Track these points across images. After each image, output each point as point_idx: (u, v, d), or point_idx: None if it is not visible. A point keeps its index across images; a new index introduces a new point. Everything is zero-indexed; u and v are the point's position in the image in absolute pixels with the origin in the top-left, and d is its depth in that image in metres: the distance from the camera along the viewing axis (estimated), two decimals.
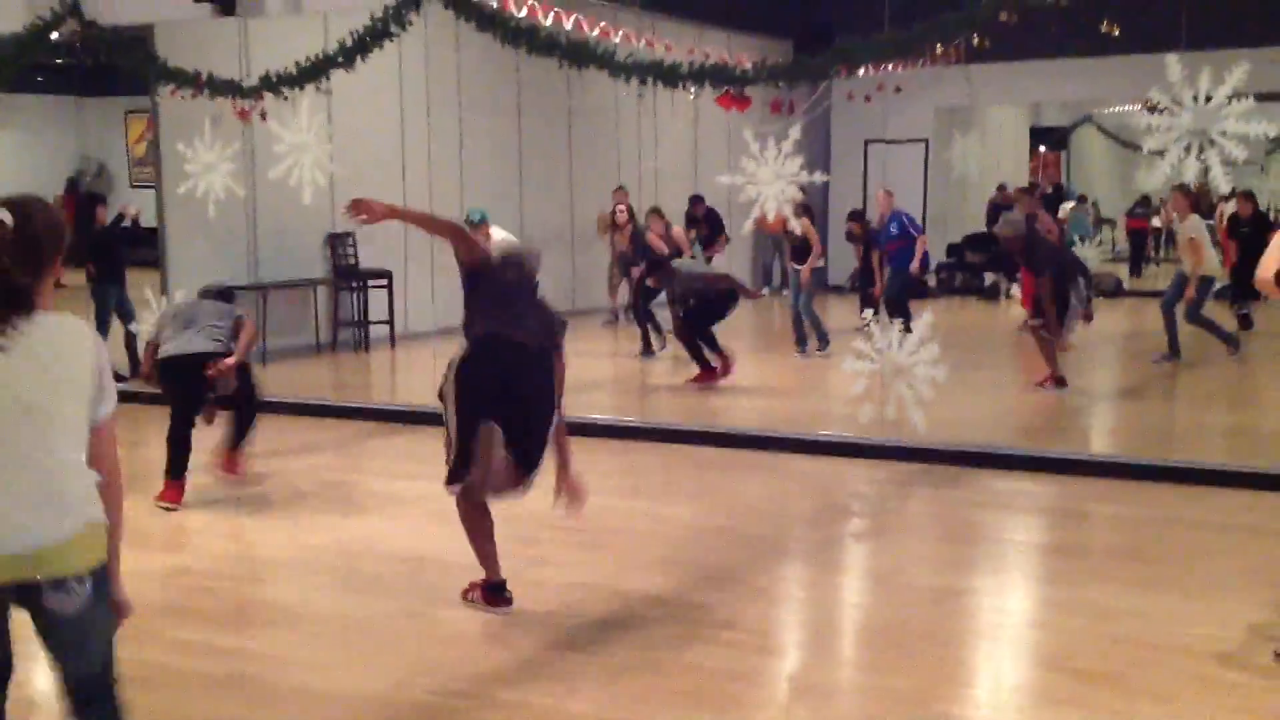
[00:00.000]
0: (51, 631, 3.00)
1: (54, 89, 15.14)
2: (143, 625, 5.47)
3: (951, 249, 19.52)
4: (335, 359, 13.07)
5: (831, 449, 8.43)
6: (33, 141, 19.08)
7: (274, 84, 9.77)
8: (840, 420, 8.92)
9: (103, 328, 10.95)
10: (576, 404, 9.40)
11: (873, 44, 8.15)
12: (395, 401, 10.94)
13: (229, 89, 10.04)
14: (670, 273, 11.26)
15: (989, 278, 18.76)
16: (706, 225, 15.89)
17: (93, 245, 11.07)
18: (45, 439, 2.95)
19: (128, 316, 11.05)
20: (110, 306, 11.16)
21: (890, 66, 15.32)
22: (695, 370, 10.95)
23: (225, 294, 8.03)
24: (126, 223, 11.66)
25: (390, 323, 13.43)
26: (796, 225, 9.17)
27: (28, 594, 2.95)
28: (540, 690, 4.54)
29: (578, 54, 8.50)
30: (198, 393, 7.27)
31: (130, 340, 11.02)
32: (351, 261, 13.35)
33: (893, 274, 12.87)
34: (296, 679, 4.68)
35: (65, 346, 3.01)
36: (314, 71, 9.54)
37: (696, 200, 16.08)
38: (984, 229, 18.41)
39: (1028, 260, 10.70)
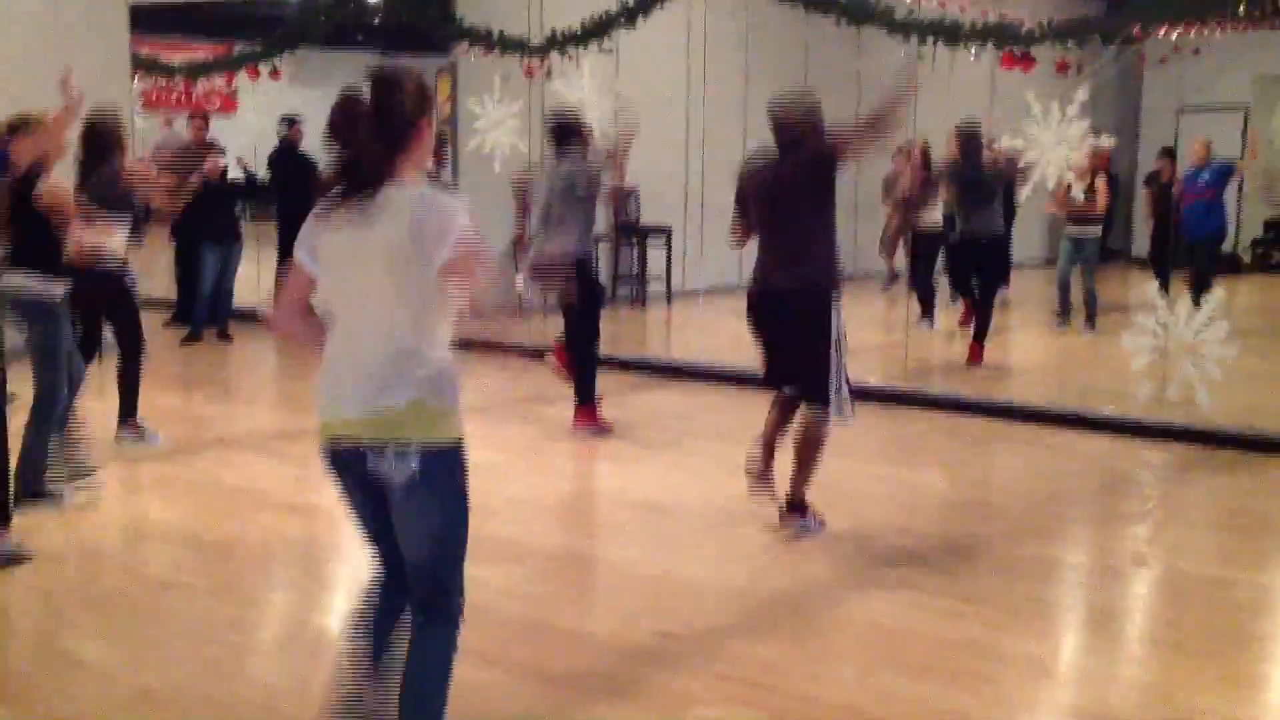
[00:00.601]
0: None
1: (372, 46, 15.99)
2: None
3: (1269, 224, 18.20)
4: (613, 313, 13.33)
5: (1104, 426, 8.01)
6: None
7: (560, 42, 10.01)
8: (1117, 397, 8.46)
9: None
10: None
11: (1170, 2, 7.64)
12: (667, 357, 11.08)
13: (518, 47, 10.35)
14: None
15: None
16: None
17: None
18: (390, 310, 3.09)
19: None
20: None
21: (1203, 29, 14.32)
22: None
23: None
24: None
25: (668, 279, 13.61)
26: (1079, 190, 8.73)
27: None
28: (765, 645, 4.53)
29: (856, 11, 8.33)
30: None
31: None
32: (633, 217, 13.59)
33: (1198, 238, 11.95)
34: (520, 611, 4.82)
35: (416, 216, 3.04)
36: (597, 30, 9.71)
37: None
38: None
39: None
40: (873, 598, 5.04)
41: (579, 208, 7.35)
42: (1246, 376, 9.60)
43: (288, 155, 11.97)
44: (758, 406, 6.20)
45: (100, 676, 4.24)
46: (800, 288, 5.54)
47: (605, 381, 9.46)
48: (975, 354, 10.06)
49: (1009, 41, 7.98)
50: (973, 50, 8.12)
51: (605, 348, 10.50)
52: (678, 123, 12.91)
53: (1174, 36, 13.76)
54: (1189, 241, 12.00)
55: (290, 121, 11.94)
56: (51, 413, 5.98)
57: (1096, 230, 11.52)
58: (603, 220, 13.48)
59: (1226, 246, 14.21)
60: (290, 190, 12.00)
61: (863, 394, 8.69)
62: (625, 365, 9.98)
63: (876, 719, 4.00)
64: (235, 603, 4.94)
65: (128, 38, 10.64)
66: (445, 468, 3.14)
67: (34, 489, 5.92)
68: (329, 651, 4.51)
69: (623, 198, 13.37)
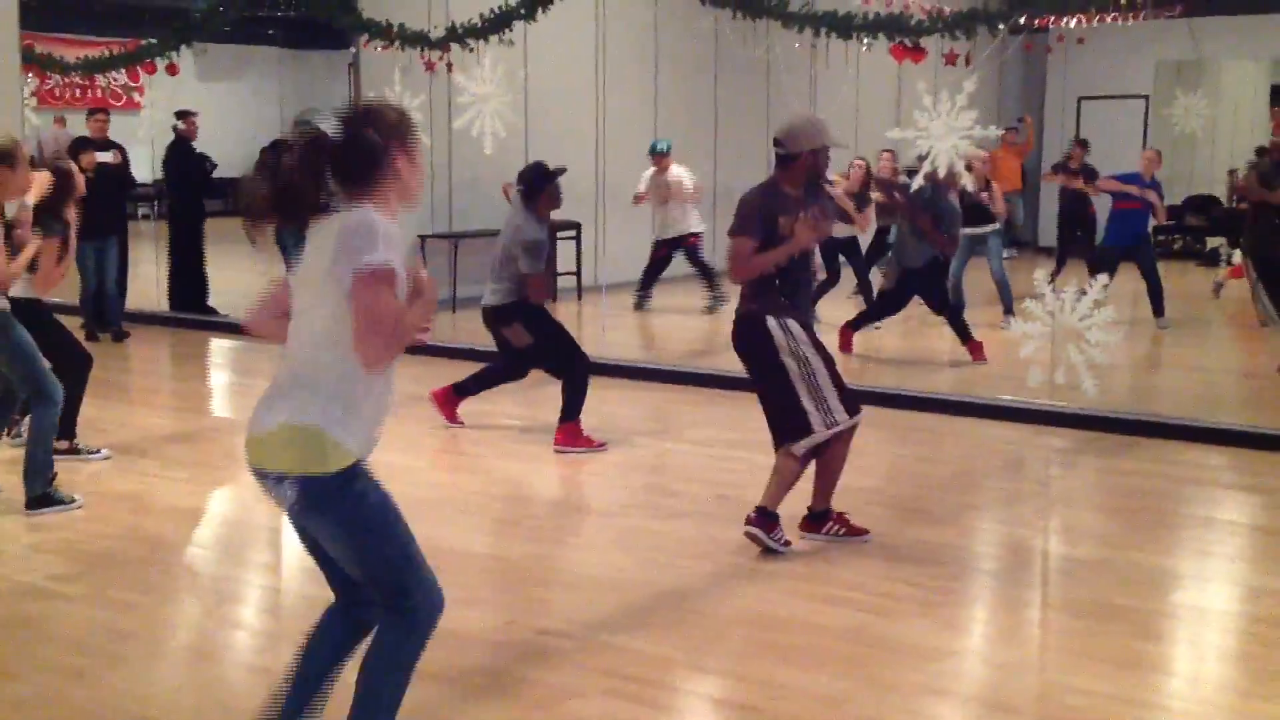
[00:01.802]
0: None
1: (274, 41, 15.83)
2: (284, 552, 5.77)
3: (1171, 211, 18.55)
4: None
5: (995, 413, 8.14)
6: (252, 92, 19.96)
7: (460, 35, 9.97)
8: (1007, 384, 8.60)
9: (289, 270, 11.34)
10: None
11: None
12: None
13: (418, 40, 10.30)
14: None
15: (1210, 242, 17.76)
16: None
17: None
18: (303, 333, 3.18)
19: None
20: (291, 250, 11.45)
21: (1107, 18, 14.58)
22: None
23: None
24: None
25: (578, 274, 13.60)
26: (970, 181, 8.84)
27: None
28: (643, 637, 4.56)
29: (751, 3, 8.38)
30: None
31: None
32: None
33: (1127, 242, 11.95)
34: None
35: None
36: (497, 23, 9.70)
37: None
38: (1206, 191, 17.43)
39: None
40: (756, 588, 5.09)
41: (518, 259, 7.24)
42: (1142, 362, 9.84)
43: (181, 151, 11.77)
44: (661, 403, 6.24)
45: None
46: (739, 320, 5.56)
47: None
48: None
49: (900, 33, 8.07)
50: (865, 42, 8.20)
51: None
52: (586, 116, 12.92)
53: (1070, 25, 14.03)
54: (1116, 243, 11.95)
55: (182, 115, 11.71)
56: (50, 411, 5.98)
57: (994, 225, 11.66)
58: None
59: None
60: (182, 187, 11.84)
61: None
62: None
63: (754, 708, 4.05)
64: (112, 609, 4.88)
65: (18, 31, 10.42)
66: (326, 493, 3.12)
67: (42, 494, 5.95)
68: (205, 659, 4.49)
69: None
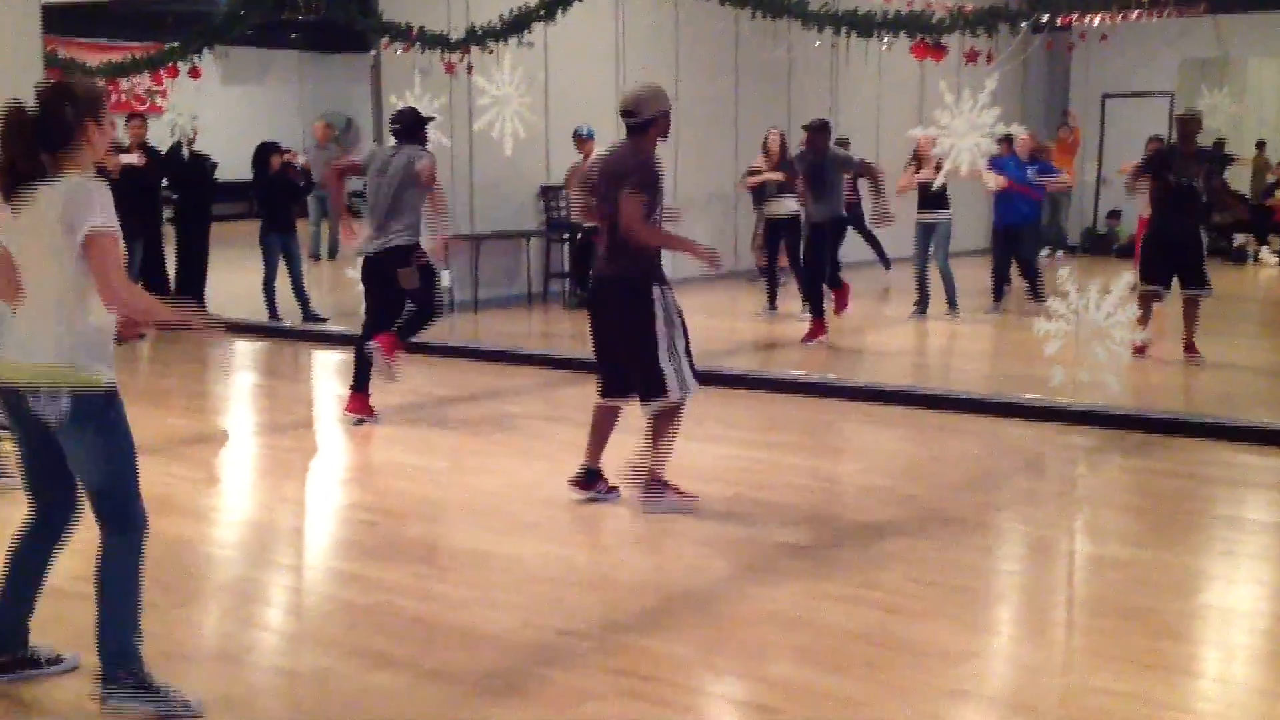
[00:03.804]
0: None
1: (295, 44, 15.87)
2: (304, 555, 5.77)
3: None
4: (545, 310, 13.31)
5: (1016, 411, 8.06)
6: (273, 95, 20.00)
7: (479, 37, 9.97)
8: (1030, 383, 8.53)
9: (269, 275, 11.41)
10: (771, 361, 9.36)
11: None
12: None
13: (438, 42, 10.30)
14: None
15: (1238, 239, 17.62)
16: None
17: (260, 192, 11.50)
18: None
19: (295, 264, 11.47)
20: (275, 253, 11.45)
21: (1131, 16, 14.45)
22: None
23: None
24: (298, 169, 11.95)
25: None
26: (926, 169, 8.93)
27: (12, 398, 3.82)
28: (661, 638, 4.54)
29: (771, 3, 8.35)
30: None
31: (299, 287, 11.46)
32: (563, 214, 13.54)
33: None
34: (428, 611, 4.80)
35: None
36: (516, 25, 9.69)
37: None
38: (1233, 188, 17.25)
39: None
40: (772, 588, 5.05)
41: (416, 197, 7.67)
42: (1166, 361, 9.75)
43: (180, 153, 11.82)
44: (687, 405, 6.24)
45: None
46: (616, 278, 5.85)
47: (532, 378, 9.49)
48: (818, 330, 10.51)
49: (921, 31, 8.02)
50: (886, 41, 8.16)
51: (535, 344, 10.53)
52: (606, 117, 12.89)
53: (1093, 23, 13.90)
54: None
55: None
56: None
57: (946, 215, 11.67)
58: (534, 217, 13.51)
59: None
60: (185, 189, 11.87)
61: (780, 385, 8.83)
62: (551, 363, 9.96)
63: (773, 710, 4.02)
64: None
65: (41, 36, 10.47)
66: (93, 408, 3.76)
67: None
68: (226, 661, 4.48)
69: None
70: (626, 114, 5.76)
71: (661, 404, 5.80)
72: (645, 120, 5.70)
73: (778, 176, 11.59)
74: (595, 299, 6.04)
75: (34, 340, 3.75)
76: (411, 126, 7.78)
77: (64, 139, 3.69)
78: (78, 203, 3.66)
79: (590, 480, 6.10)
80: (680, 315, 5.84)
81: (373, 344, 7.58)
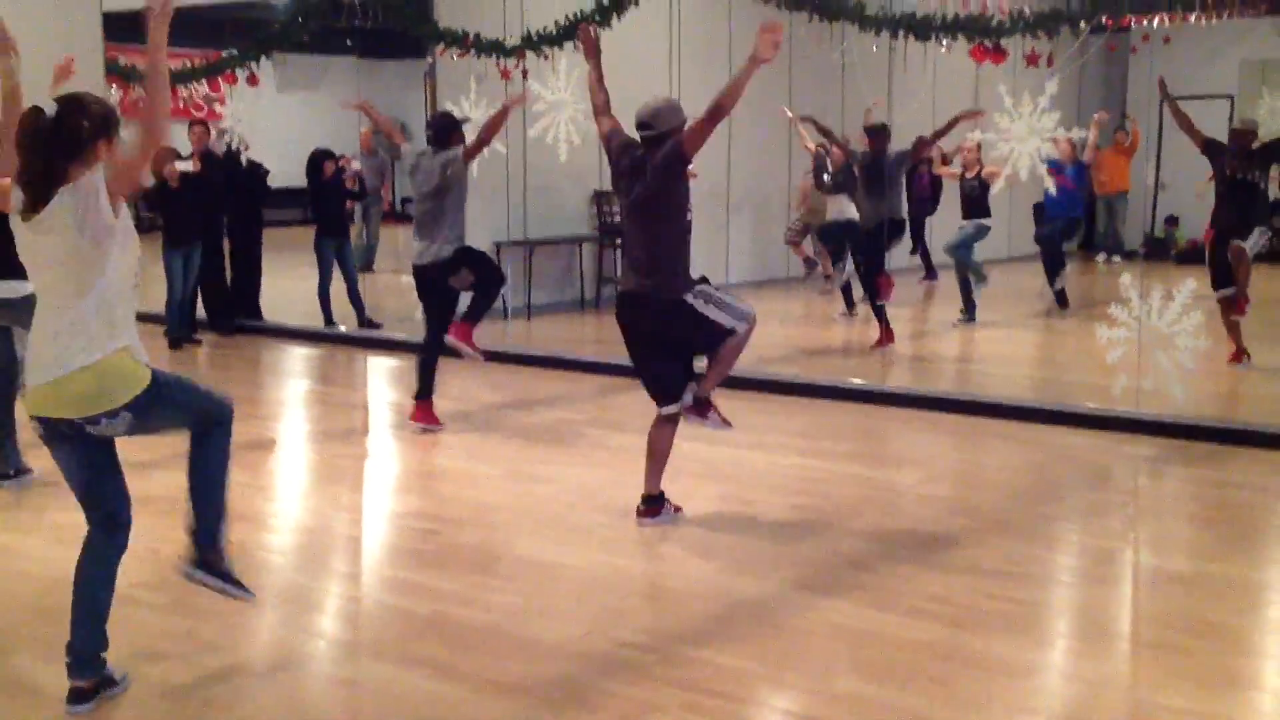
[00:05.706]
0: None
1: (352, 51, 15.92)
2: (362, 562, 5.78)
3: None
4: (598, 316, 13.29)
5: (1079, 420, 7.97)
6: (330, 101, 20.09)
7: (535, 43, 9.98)
8: (1088, 391, 8.42)
9: (324, 281, 11.47)
10: (812, 367, 9.32)
11: None
12: None
13: (494, 48, 10.32)
14: None
15: None
16: None
17: (313, 199, 11.57)
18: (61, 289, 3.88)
19: (349, 270, 11.54)
20: (329, 259, 11.56)
21: (1190, 17, 14.25)
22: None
23: None
24: (348, 176, 12.01)
25: None
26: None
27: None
28: (723, 650, 4.50)
29: (828, 7, 8.29)
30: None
31: (354, 293, 11.53)
32: (617, 219, 13.52)
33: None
34: (487, 621, 4.80)
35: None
36: (572, 30, 9.68)
37: None
38: None
39: None
40: (836, 600, 5.01)
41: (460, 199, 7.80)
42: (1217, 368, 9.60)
43: (233, 160, 11.91)
44: (734, 410, 6.20)
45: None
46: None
47: (586, 384, 9.48)
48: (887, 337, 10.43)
49: (980, 34, 7.94)
50: (944, 43, 8.08)
51: (589, 350, 10.51)
52: None
53: (1154, 25, 13.73)
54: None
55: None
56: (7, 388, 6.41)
57: (988, 223, 11.69)
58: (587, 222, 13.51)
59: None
60: (235, 195, 11.95)
61: (836, 392, 8.77)
62: (606, 369, 9.94)
63: None
64: (194, 617, 4.91)
65: (102, 44, 10.62)
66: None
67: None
68: (284, 669, 4.50)
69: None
70: (643, 126, 5.72)
71: (735, 342, 5.80)
72: (663, 132, 5.67)
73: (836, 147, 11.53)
74: (630, 315, 5.88)
75: (70, 353, 3.85)
76: (446, 130, 7.83)
77: (76, 150, 3.82)
78: (82, 190, 3.79)
79: (656, 505, 6.03)
80: (703, 278, 5.85)
81: (450, 339, 7.74)
